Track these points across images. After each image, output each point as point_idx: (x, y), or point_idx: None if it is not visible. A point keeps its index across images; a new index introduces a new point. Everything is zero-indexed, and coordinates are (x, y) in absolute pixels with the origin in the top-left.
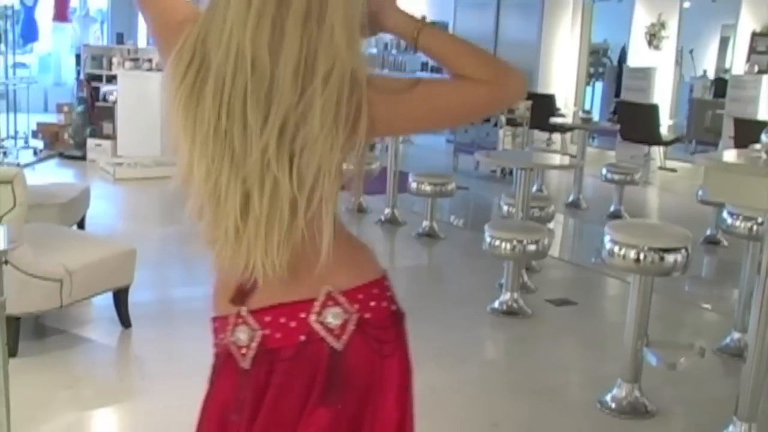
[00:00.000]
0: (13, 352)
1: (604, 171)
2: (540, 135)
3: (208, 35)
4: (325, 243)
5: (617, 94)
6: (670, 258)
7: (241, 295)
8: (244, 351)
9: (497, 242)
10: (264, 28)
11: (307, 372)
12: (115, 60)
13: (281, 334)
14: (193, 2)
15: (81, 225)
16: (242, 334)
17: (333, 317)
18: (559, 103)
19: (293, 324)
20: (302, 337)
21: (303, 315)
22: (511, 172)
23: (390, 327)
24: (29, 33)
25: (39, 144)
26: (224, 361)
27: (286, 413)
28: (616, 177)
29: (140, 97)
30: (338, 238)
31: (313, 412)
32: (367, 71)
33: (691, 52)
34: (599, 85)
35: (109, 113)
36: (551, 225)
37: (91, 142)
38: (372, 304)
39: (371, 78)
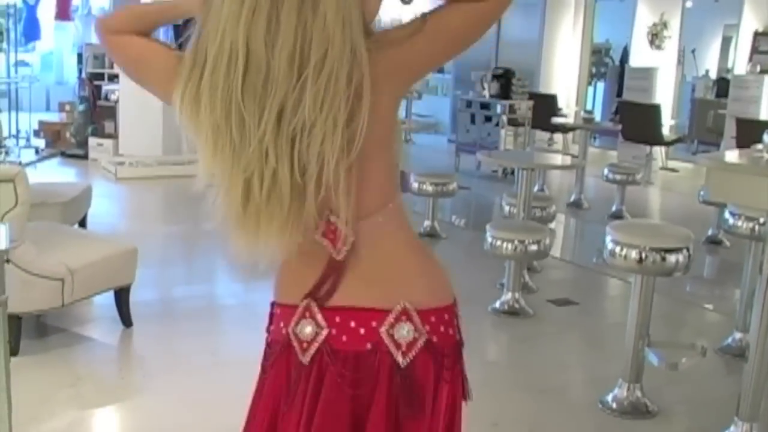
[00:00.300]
0: (14, 351)
1: (605, 171)
2: (542, 135)
3: (204, 37)
4: (342, 215)
5: (619, 94)
6: (671, 258)
7: (319, 291)
8: (305, 345)
9: (499, 242)
10: (259, 22)
11: (367, 381)
12: None
13: (348, 337)
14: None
15: (83, 224)
16: (307, 328)
17: (404, 332)
18: (561, 103)
19: (362, 330)
20: (369, 345)
21: (374, 324)
22: (512, 172)
23: (452, 355)
24: (31, 31)
25: (41, 143)
26: (281, 351)
27: (339, 416)
28: (618, 177)
29: (142, 96)
30: (419, 253)
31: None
32: (369, 41)
33: (693, 51)
34: (601, 85)
35: (111, 112)
36: (553, 225)
37: (92, 141)
38: (441, 329)
39: (379, 35)
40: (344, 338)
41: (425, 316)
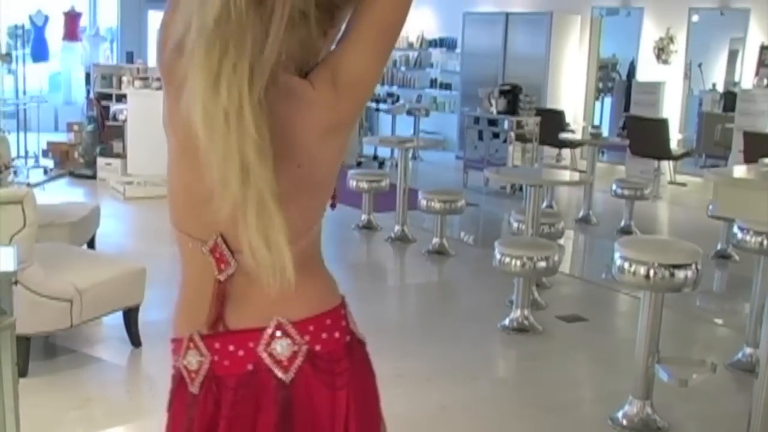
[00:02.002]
0: (23, 372)
1: (614, 186)
2: (549, 151)
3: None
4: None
5: (626, 108)
6: (680, 274)
7: (217, 316)
8: (193, 375)
9: (507, 259)
10: None
11: (254, 402)
12: (124, 79)
13: (229, 361)
14: None
15: (91, 244)
16: (193, 359)
17: (281, 348)
18: (569, 118)
19: (241, 352)
20: (250, 366)
21: (251, 344)
22: (521, 188)
23: (343, 359)
24: (39, 52)
25: (49, 163)
26: (178, 385)
27: None
28: (626, 192)
29: (150, 116)
30: (300, 269)
31: None
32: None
33: (699, 65)
34: (608, 100)
35: (119, 132)
36: (561, 241)
37: (101, 161)
38: (323, 335)
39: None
40: (226, 363)
41: (302, 327)
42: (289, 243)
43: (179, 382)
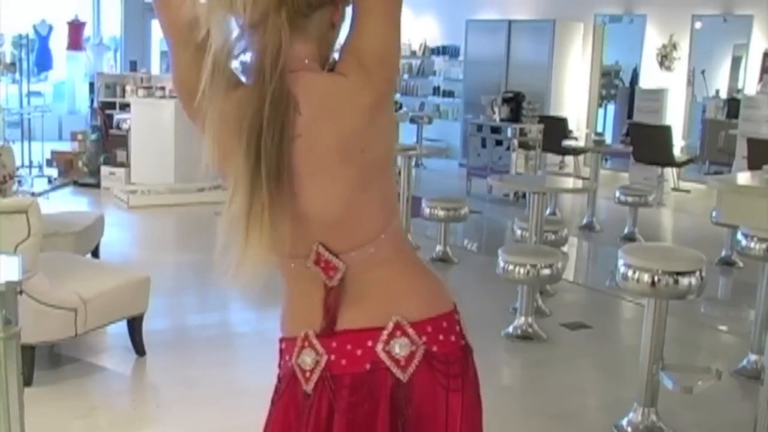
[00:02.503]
0: (28, 382)
1: (617, 193)
2: (553, 158)
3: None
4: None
5: (630, 115)
6: (684, 281)
7: (329, 320)
8: (308, 374)
9: (511, 267)
10: None
11: (371, 401)
12: (128, 88)
13: (347, 360)
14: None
15: (95, 253)
16: (308, 357)
17: (400, 348)
18: (572, 125)
19: (359, 352)
20: (368, 366)
21: (370, 343)
22: (524, 196)
23: (457, 362)
24: (44, 61)
25: (53, 172)
26: (288, 384)
27: None
28: (630, 199)
29: (154, 125)
30: (410, 265)
31: None
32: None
33: (703, 72)
34: (611, 107)
35: (123, 141)
36: (565, 248)
37: (105, 170)
38: (440, 337)
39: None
40: (343, 362)
41: (421, 328)
42: (376, 236)
43: (290, 380)
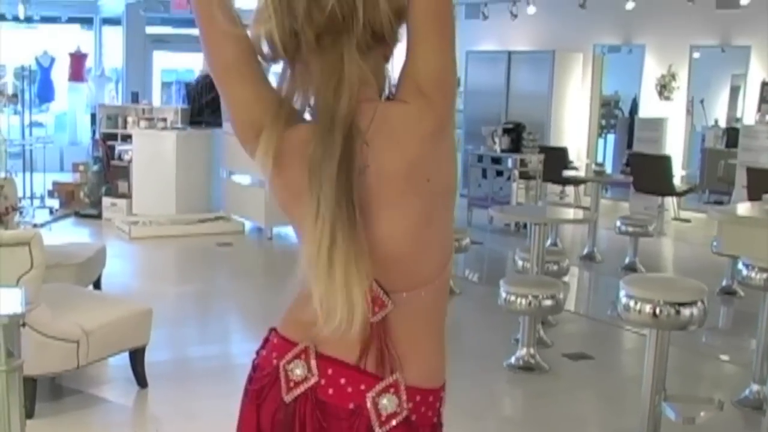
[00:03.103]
0: (29, 414)
1: (618, 223)
2: (553, 188)
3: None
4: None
5: (629, 145)
6: (686, 312)
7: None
8: (292, 384)
9: (513, 297)
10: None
11: None
12: (130, 119)
13: (334, 391)
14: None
15: (97, 284)
16: (299, 369)
17: (387, 403)
18: (572, 155)
19: (350, 389)
20: (351, 405)
21: (363, 387)
22: (525, 226)
23: None
24: (45, 93)
25: (55, 203)
26: (272, 384)
27: None
28: (630, 229)
29: (155, 156)
30: (435, 329)
31: None
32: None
33: (702, 102)
34: (611, 137)
35: (125, 172)
36: (566, 278)
37: (106, 201)
38: (422, 409)
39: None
40: (331, 391)
41: (411, 394)
42: (430, 280)
43: (275, 381)
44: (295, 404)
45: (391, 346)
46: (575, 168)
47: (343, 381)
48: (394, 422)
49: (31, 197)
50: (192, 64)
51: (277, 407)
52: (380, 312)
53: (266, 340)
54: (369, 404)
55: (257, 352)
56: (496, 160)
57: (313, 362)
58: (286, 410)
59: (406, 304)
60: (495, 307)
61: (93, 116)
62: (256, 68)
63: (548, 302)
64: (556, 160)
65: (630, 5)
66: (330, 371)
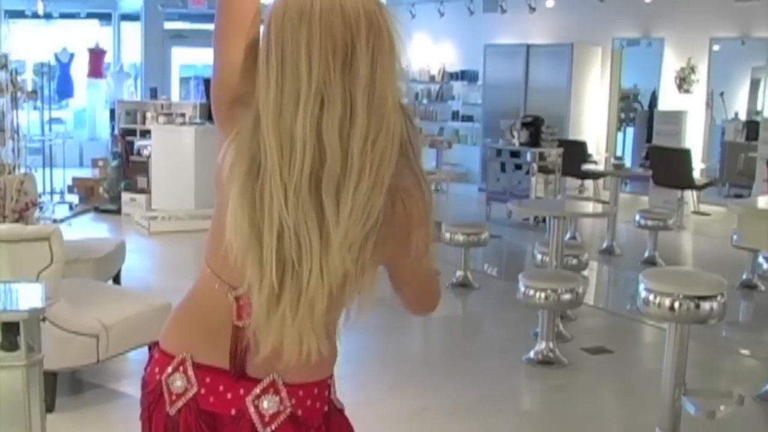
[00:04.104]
0: (50, 408)
1: (637, 217)
2: (572, 182)
3: (287, 133)
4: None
5: (649, 138)
6: (705, 306)
7: (240, 364)
8: (174, 397)
9: (532, 292)
10: (335, 114)
11: None
12: (148, 114)
13: (215, 399)
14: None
15: (117, 279)
16: (178, 382)
17: (268, 404)
18: (591, 149)
19: (229, 395)
20: (233, 411)
21: (242, 392)
22: (544, 220)
23: (321, 426)
24: (65, 89)
25: (74, 199)
26: (158, 399)
27: None
28: (650, 223)
29: (174, 151)
30: None
31: None
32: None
33: (721, 95)
34: (630, 131)
35: (144, 167)
36: (585, 273)
37: (125, 196)
38: (308, 402)
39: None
40: (211, 399)
41: (293, 391)
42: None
43: (159, 397)
44: (179, 416)
45: (259, 350)
46: (594, 162)
47: (221, 388)
48: (278, 421)
49: (51, 193)
50: (211, 59)
51: (164, 421)
52: (245, 320)
53: (150, 356)
54: (250, 408)
55: (144, 369)
56: (514, 154)
57: (191, 372)
58: (172, 423)
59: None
60: (514, 302)
61: (112, 112)
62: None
63: (567, 296)
64: (575, 154)
65: None
66: (208, 380)
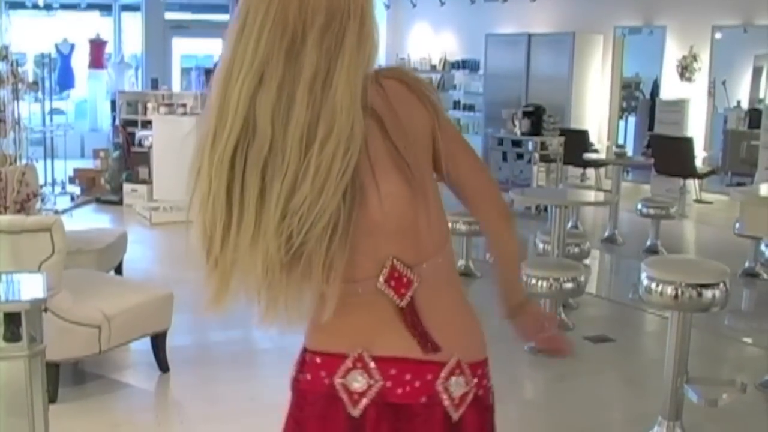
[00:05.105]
0: (52, 399)
1: (639, 205)
2: (574, 171)
3: (225, 98)
4: (320, 308)
5: (650, 127)
6: (708, 294)
7: (423, 341)
8: (356, 397)
9: (534, 280)
10: (268, 96)
11: None
12: (149, 105)
13: (403, 390)
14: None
15: (118, 270)
16: (358, 380)
17: (456, 386)
18: (593, 138)
19: (417, 384)
20: (423, 399)
21: (429, 377)
22: (545, 209)
23: (490, 407)
24: (65, 80)
25: (76, 190)
26: (326, 404)
27: None
28: (652, 211)
29: (175, 142)
30: (468, 307)
31: None
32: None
33: (723, 83)
34: (632, 119)
35: (145, 158)
36: (587, 261)
37: (127, 187)
38: (485, 382)
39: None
40: (399, 391)
41: (474, 369)
42: (442, 246)
43: (330, 400)
44: (364, 416)
45: (432, 326)
46: (596, 151)
47: (408, 377)
48: (467, 402)
49: (53, 184)
50: (212, 49)
51: (344, 426)
52: (408, 292)
53: (303, 363)
54: (441, 392)
55: (296, 378)
56: (516, 143)
57: (372, 367)
58: (355, 425)
59: (429, 276)
60: None
61: (113, 103)
62: None
63: (569, 285)
64: (576, 143)
65: None
66: (393, 371)
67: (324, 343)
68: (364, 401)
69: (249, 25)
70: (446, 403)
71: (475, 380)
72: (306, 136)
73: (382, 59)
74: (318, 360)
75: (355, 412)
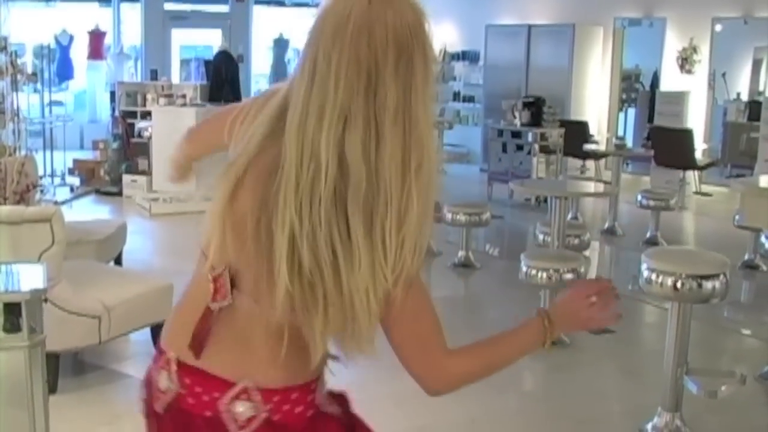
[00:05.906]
0: (52, 389)
1: (639, 197)
2: (574, 162)
3: (306, 143)
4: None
5: (650, 119)
6: (708, 285)
7: (198, 343)
8: (159, 395)
9: (534, 271)
10: (357, 133)
11: None
12: (149, 96)
13: (193, 400)
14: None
15: (118, 261)
16: (163, 380)
17: (242, 409)
18: (593, 129)
19: (205, 398)
20: (208, 413)
21: (216, 394)
22: (545, 200)
23: (304, 430)
24: (65, 71)
25: (75, 181)
26: (149, 393)
27: None
28: (652, 203)
29: (174, 133)
30: (279, 338)
31: None
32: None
33: (723, 75)
34: (632, 111)
35: (144, 149)
36: (587, 253)
37: (126, 178)
38: (285, 407)
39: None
40: (190, 401)
41: (268, 396)
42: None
43: (150, 390)
44: (166, 415)
45: (237, 347)
46: (596, 142)
47: (198, 389)
48: (253, 425)
49: (52, 175)
50: (211, 40)
51: (156, 417)
52: (221, 301)
53: (154, 357)
54: (223, 411)
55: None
56: (516, 135)
57: (174, 372)
58: (161, 422)
59: (249, 307)
60: (516, 282)
61: (112, 94)
62: None
63: (569, 276)
64: (576, 134)
65: None
66: (187, 381)
67: (163, 336)
68: (164, 400)
69: (322, 70)
70: (228, 422)
71: (269, 406)
72: (401, 165)
73: None
74: (156, 353)
75: (159, 407)
